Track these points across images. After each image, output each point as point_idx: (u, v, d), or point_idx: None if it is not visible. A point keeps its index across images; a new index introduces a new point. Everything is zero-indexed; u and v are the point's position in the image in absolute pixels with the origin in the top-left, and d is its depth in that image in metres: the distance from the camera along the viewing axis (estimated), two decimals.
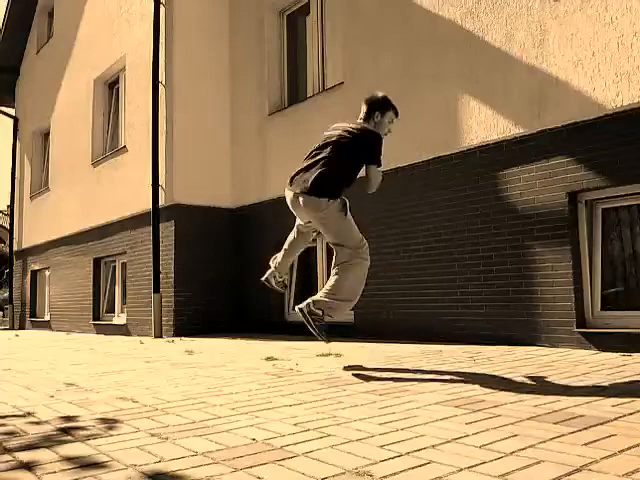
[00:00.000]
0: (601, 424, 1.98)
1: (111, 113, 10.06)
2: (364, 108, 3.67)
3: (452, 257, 5.23)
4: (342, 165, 3.48)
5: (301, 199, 3.47)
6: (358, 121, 3.66)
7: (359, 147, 3.49)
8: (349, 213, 3.52)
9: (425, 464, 1.60)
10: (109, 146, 9.91)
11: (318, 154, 3.51)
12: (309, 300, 3.46)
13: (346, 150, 3.48)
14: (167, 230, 7.69)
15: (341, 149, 3.48)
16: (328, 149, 3.49)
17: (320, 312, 3.42)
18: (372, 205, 5.77)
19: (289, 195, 3.58)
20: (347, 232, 3.52)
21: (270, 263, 4.01)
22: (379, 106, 3.64)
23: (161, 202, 7.71)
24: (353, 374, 3.34)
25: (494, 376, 3.11)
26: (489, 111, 5.02)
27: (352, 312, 6.14)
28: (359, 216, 3.74)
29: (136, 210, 8.40)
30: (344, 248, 3.51)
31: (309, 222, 3.64)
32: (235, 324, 7.80)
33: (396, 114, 3.69)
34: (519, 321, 4.69)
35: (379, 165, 3.51)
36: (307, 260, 7.07)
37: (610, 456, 1.62)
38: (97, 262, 9.80)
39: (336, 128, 3.63)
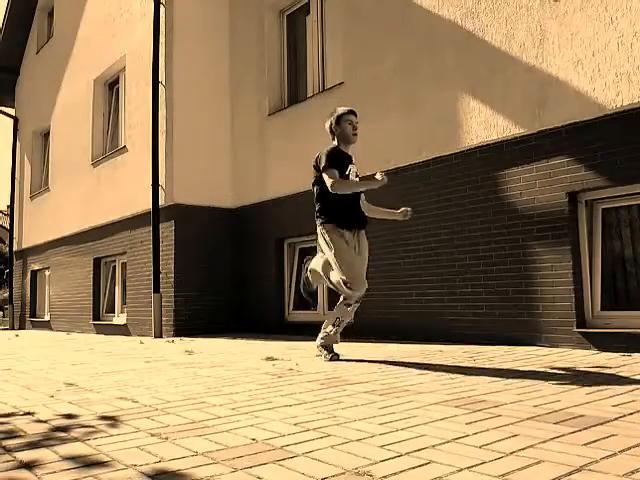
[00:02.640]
0: (601, 424, 1.98)
1: (111, 113, 10.06)
2: (329, 133, 4.02)
3: (452, 257, 5.23)
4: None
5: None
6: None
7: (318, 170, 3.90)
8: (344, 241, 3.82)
9: (425, 464, 1.60)
10: (109, 146, 9.91)
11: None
12: None
13: (318, 182, 3.91)
14: (167, 230, 7.68)
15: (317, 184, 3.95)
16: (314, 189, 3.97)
17: None
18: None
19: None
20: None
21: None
22: (333, 121, 3.96)
23: (161, 202, 7.71)
24: (353, 374, 3.34)
25: (494, 376, 3.11)
26: (489, 111, 5.02)
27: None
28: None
29: (136, 210, 8.40)
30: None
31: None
32: (235, 324, 7.80)
33: (350, 112, 3.96)
34: (519, 321, 4.69)
35: (324, 170, 3.80)
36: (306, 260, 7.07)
37: (610, 456, 1.62)
38: (97, 262, 9.80)
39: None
